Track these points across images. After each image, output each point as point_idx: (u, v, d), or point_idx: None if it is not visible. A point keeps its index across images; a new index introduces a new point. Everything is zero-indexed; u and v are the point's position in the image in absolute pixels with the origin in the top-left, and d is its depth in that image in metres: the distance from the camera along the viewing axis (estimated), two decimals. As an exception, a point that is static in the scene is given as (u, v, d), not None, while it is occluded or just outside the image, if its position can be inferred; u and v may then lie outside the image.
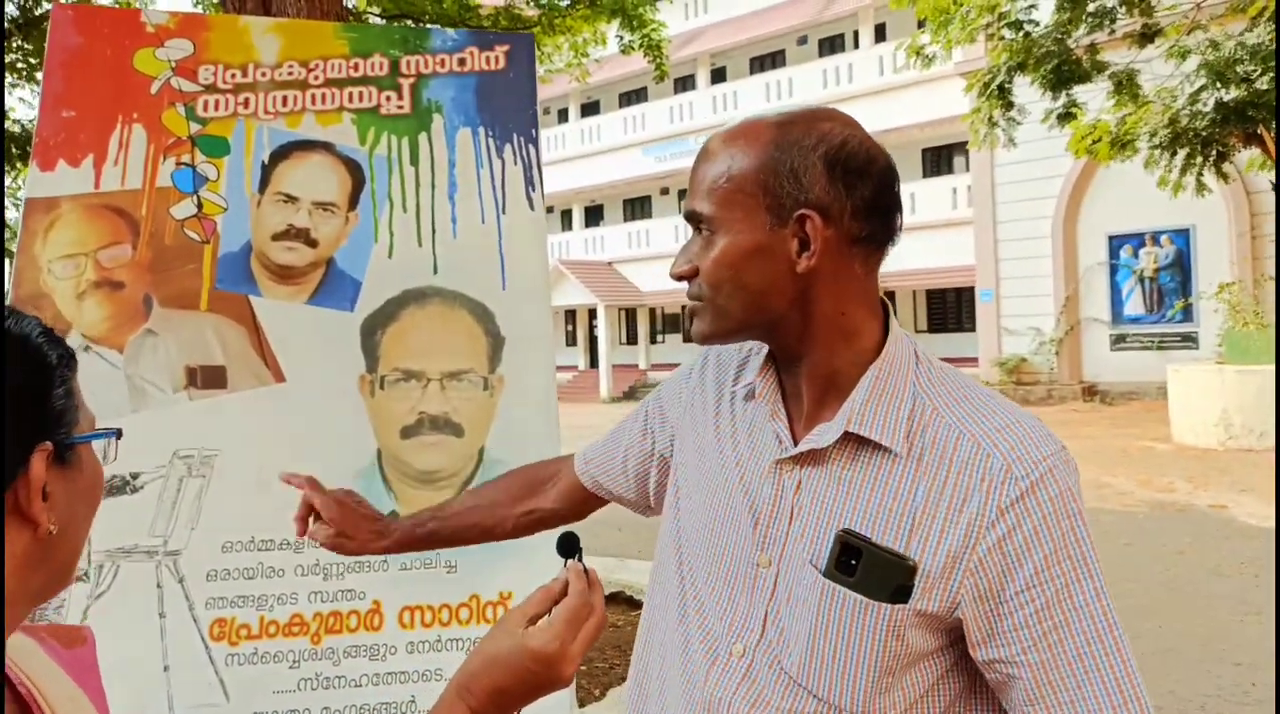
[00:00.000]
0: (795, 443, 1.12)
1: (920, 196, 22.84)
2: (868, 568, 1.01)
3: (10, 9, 8.21)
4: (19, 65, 8.83)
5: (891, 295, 25.78)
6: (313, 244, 2.83)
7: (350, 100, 2.98)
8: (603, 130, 29.66)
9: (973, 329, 21.96)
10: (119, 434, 0.86)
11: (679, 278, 1.13)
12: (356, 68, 3.01)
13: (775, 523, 1.11)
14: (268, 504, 2.59)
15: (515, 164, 3.00)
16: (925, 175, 24.88)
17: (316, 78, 2.98)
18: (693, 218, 1.11)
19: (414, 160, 2.94)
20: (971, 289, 21.89)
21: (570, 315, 31.34)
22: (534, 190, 2.99)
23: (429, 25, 7.38)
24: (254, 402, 2.68)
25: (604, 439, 1.47)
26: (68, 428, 0.81)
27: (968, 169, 21.78)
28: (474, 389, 2.78)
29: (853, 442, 1.08)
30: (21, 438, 0.79)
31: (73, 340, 2.61)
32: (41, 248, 2.69)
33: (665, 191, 30.08)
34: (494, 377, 2.80)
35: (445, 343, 2.81)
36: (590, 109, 32.33)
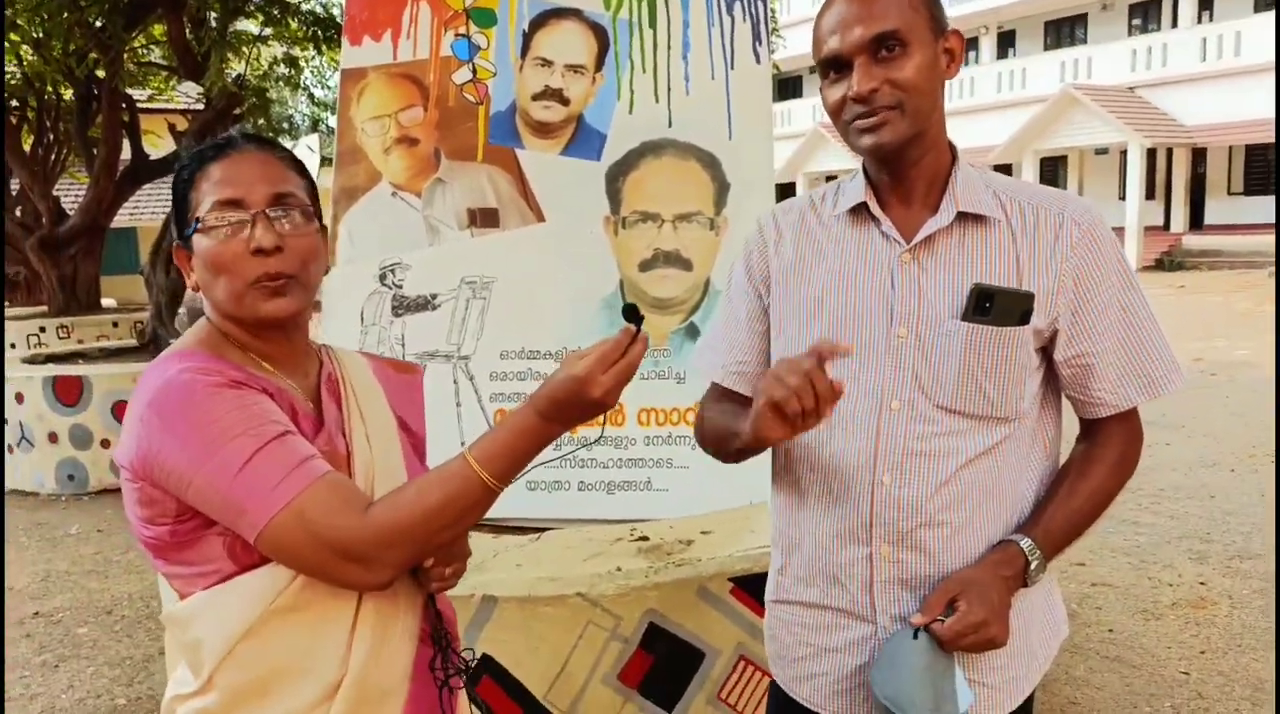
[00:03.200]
0: (906, 242, 1.44)
1: (1249, 36, 20.22)
2: (1001, 305, 1.37)
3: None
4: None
5: (1202, 152, 23.38)
6: (565, 102, 3.28)
7: (597, -32, 3.35)
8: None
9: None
10: (199, 223, 1.24)
11: (870, 93, 1.35)
12: (603, -64, 3.36)
13: (906, 301, 1.43)
14: (535, 321, 3.16)
15: (744, 20, 3.27)
16: (1256, 9, 21.90)
17: (568, -52, 3.36)
18: (880, 39, 1.35)
19: (651, 23, 3.28)
20: (1299, 142, 19.35)
21: (831, 180, 30.63)
22: (760, 45, 3.26)
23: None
24: (521, 238, 3.21)
25: (725, 339, 1.60)
26: (184, 223, 1.28)
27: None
28: (701, 229, 3.17)
29: (957, 223, 1.43)
30: (178, 226, 1.31)
31: (381, 188, 3.24)
32: (356, 111, 3.31)
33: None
34: (719, 218, 3.18)
35: (677, 188, 3.20)
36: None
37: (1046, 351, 1.44)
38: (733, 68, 3.25)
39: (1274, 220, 20.18)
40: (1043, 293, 1.39)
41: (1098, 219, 1.43)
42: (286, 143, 13.41)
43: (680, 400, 3.06)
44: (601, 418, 1.23)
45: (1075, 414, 1.51)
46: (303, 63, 11.18)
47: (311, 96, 13.58)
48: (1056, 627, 1.55)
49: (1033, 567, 1.39)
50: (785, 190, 29.75)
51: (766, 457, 1.57)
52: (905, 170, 1.44)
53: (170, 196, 1.36)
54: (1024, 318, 1.38)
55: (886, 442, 1.43)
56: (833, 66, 1.41)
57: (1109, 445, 1.47)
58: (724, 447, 1.53)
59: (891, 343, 1.43)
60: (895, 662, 1.36)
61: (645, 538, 2.45)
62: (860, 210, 1.49)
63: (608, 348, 1.17)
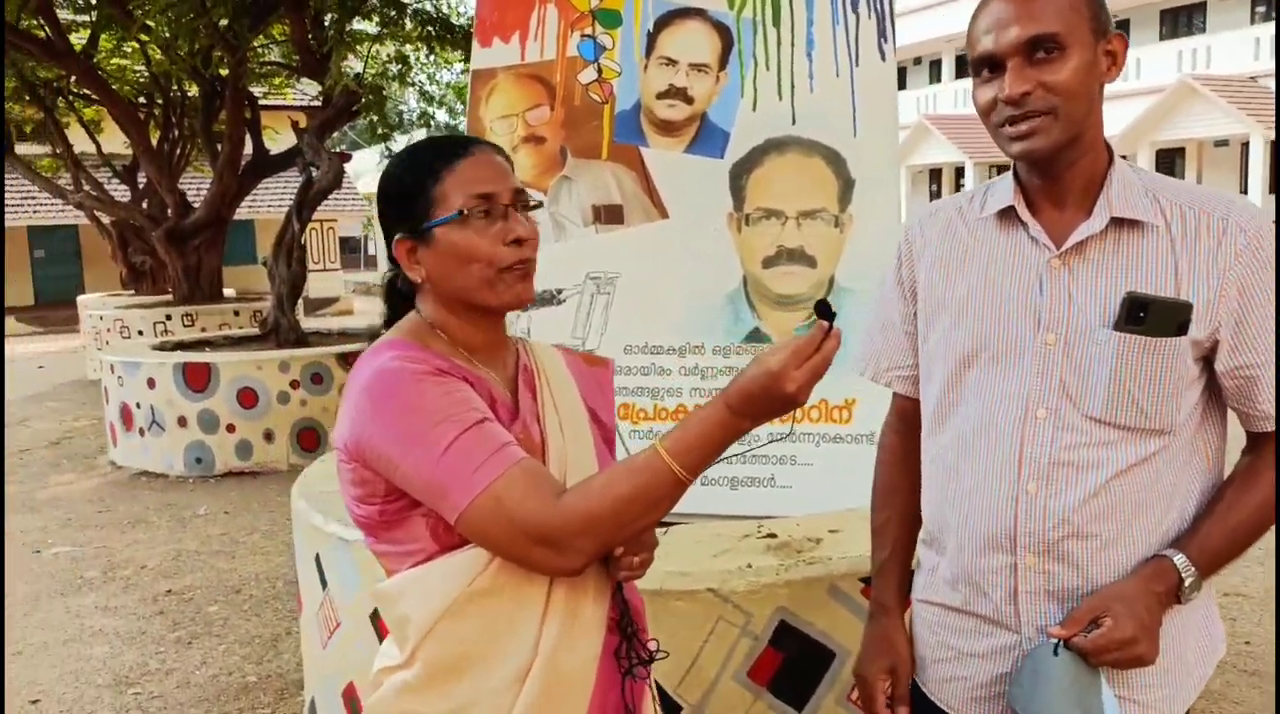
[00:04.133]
0: (1056, 247, 1.41)
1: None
2: (1157, 314, 1.33)
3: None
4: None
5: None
6: (689, 101, 3.31)
7: (722, -32, 3.36)
8: (984, -31, 27.52)
9: None
10: (461, 214, 1.31)
11: (1023, 97, 1.33)
12: (728, -64, 3.37)
13: (1054, 307, 1.40)
14: (658, 316, 3.20)
15: (869, 18, 3.25)
16: (1387, -6, 20.82)
17: (693, -51, 3.38)
18: (1037, 41, 1.32)
19: (775, 21, 3.29)
20: None
21: (935, 174, 30.10)
22: (886, 42, 3.24)
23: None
24: (645, 234, 3.25)
25: (870, 343, 1.65)
26: (425, 216, 1.33)
27: None
28: (826, 226, 3.16)
29: (1112, 228, 1.39)
30: (401, 219, 1.36)
31: (511, 184, 3.32)
32: (485, 110, 3.39)
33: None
34: (844, 215, 3.16)
35: (801, 185, 3.20)
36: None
37: (1208, 361, 1.40)
38: (857, 65, 3.23)
39: None
40: (1202, 302, 1.35)
41: (1265, 225, 1.37)
42: (399, 138, 13.78)
43: (803, 398, 3.07)
44: (792, 415, 1.25)
45: (1241, 426, 1.47)
46: (414, 61, 11.45)
47: (422, 93, 13.89)
48: (1214, 644, 1.49)
49: (1187, 584, 1.36)
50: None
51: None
52: (1058, 174, 1.41)
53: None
54: (1181, 328, 1.34)
55: (1031, 450, 1.40)
56: (986, 65, 1.38)
57: (1275, 459, 1.41)
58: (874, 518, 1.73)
59: (1038, 349, 1.41)
60: (1036, 677, 1.34)
61: (774, 535, 2.47)
62: (1009, 213, 1.46)
63: (802, 343, 1.18)
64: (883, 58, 3.23)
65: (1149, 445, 1.38)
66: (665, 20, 3.40)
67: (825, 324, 1.19)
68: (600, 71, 3.42)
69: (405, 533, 1.29)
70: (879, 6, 3.25)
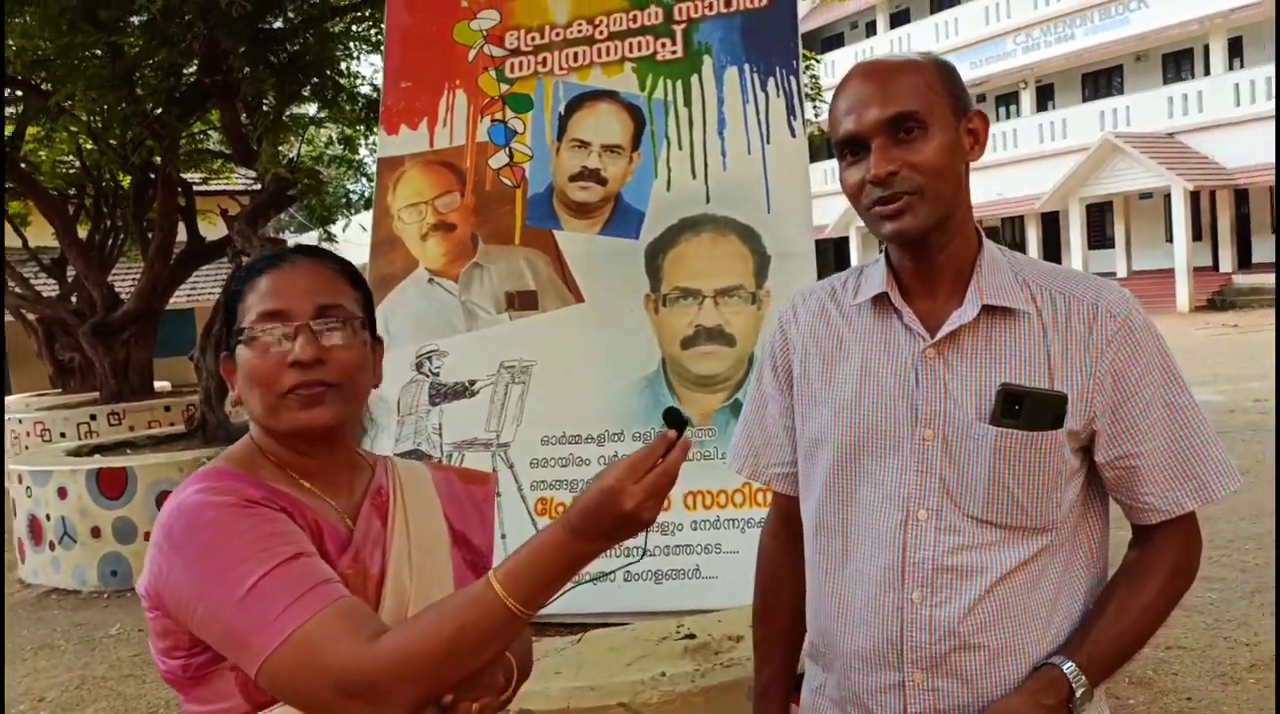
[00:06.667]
0: (930, 335, 1.34)
1: None
2: (1031, 407, 1.27)
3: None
4: (372, 36, 10.09)
5: (1244, 193, 23.13)
6: (603, 182, 3.27)
7: (631, 51, 3.36)
8: (913, 39, 28.51)
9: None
10: (243, 333, 1.22)
11: (889, 177, 1.28)
12: (635, 19, 3.37)
13: (930, 401, 1.33)
14: (576, 404, 3.11)
15: (778, 96, 3.25)
16: (1290, 53, 21.88)
17: (601, 33, 3.38)
18: (897, 121, 1.28)
19: (686, 101, 3.27)
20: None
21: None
22: (795, 119, 3.23)
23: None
24: (560, 319, 3.17)
25: (748, 438, 1.56)
26: (233, 336, 1.25)
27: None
28: (743, 303, 3.11)
29: (984, 317, 1.32)
30: (226, 335, 1.28)
31: (418, 274, 3.23)
32: (392, 199, 3.32)
33: (982, 98, 28.53)
34: (761, 291, 3.12)
35: (717, 263, 3.15)
36: (899, 19, 31.12)
37: (1088, 451, 1.33)
38: (769, 142, 3.22)
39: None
40: (1077, 392, 1.28)
41: (1135, 308, 1.31)
42: (342, 220, 13.68)
43: (728, 482, 2.97)
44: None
45: (1126, 519, 1.39)
46: (358, 140, 11.42)
47: (367, 175, 13.86)
48: None
49: (1078, 694, 1.27)
50: (840, 245, 29.78)
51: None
52: (930, 257, 1.35)
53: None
54: (1057, 421, 1.27)
55: (914, 555, 1.32)
56: (850, 147, 1.33)
57: (1163, 554, 1.34)
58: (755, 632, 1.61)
59: (916, 446, 1.33)
60: None
61: (692, 635, 2.35)
62: (883, 300, 1.40)
63: (639, 456, 1.07)
64: (793, 134, 3.23)
65: (1032, 545, 1.31)
66: (577, 103, 3.37)
67: (671, 434, 1.09)
68: (512, 156, 3.38)
69: (213, 690, 1.14)
70: (787, 85, 3.25)
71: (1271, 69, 20.52)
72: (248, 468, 1.23)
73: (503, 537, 3.01)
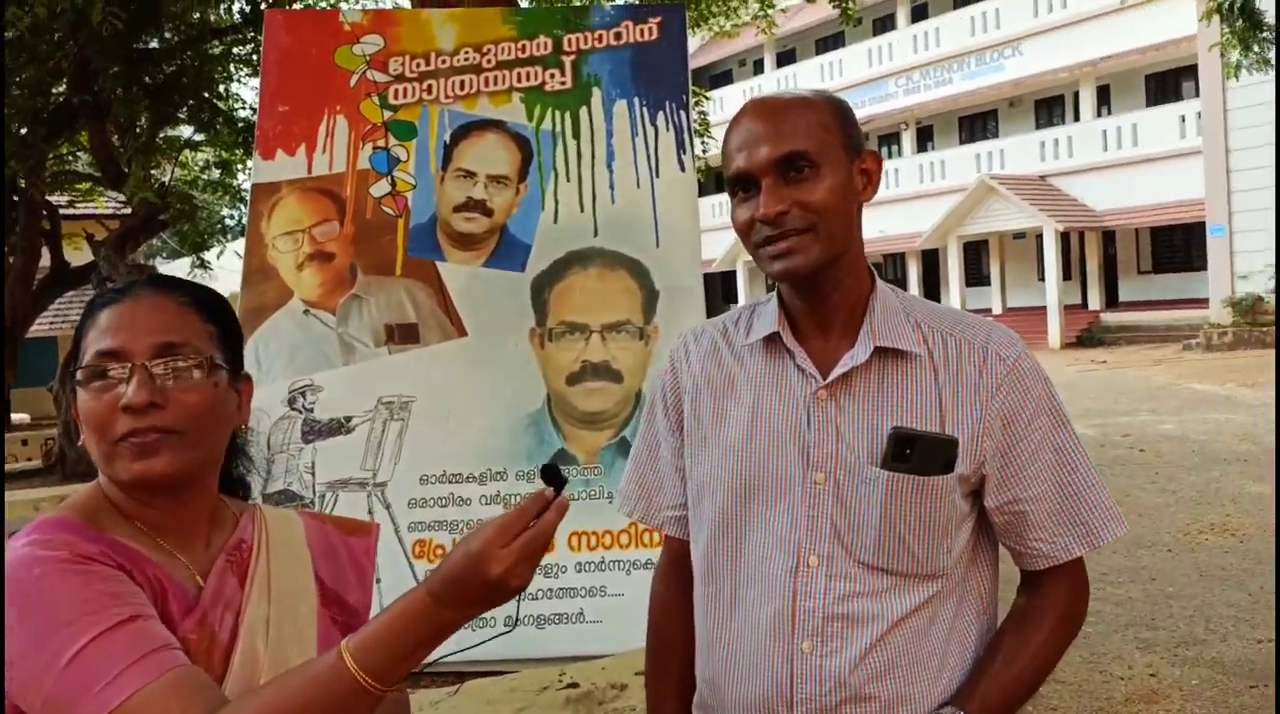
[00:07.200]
0: (822, 376, 1.32)
1: (1144, 127, 21.44)
2: (922, 451, 1.24)
3: (240, 2, 9.13)
4: (253, 59, 9.80)
5: (1111, 235, 24.36)
6: (489, 213, 3.19)
7: (519, 80, 3.30)
8: (799, 78, 29.26)
9: (1201, 268, 20.44)
10: (74, 374, 1.11)
11: (778, 216, 1.26)
12: (524, 49, 3.32)
13: (822, 443, 1.30)
14: (456, 442, 3.00)
15: (668, 130, 3.23)
16: (1149, 104, 23.27)
17: (489, 61, 3.31)
18: (789, 160, 1.26)
19: (575, 133, 3.23)
20: (1200, 225, 20.32)
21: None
22: (685, 153, 3.22)
23: (589, 2, 7.63)
24: (442, 354, 3.07)
25: (639, 480, 1.50)
26: (76, 371, 1.13)
27: (1196, 95, 20.17)
28: (631, 339, 3.06)
29: (876, 358, 1.30)
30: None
31: (292, 305, 3.08)
32: (266, 227, 3.17)
33: (866, 137, 29.35)
34: (649, 327, 3.07)
35: (605, 298, 3.10)
36: (786, 58, 31.93)
37: (978, 496, 1.31)
38: (658, 176, 3.20)
39: (1184, 297, 20.96)
40: (968, 436, 1.27)
41: (1023, 352, 1.31)
42: (218, 247, 13.18)
43: (613, 522, 2.90)
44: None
45: (1014, 564, 1.38)
46: (235, 165, 11.04)
47: (244, 200, 13.40)
48: None
49: None
50: (727, 279, 30.05)
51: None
52: (823, 297, 1.32)
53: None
54: (947, 466, 1.25)
55: (804, 603, 1.28)
56: (741, 185, 1.30)
57: (1051, 601, 1.34)
58: (648, 689, 1.48)
59: (807, 489, 1.30)
60: None
61: (575, 684, 2.27)
62: (775, 340, 1.36)
63: (509, 517, 0.95)
64: (682, 169, 3.21)
65: (922, 592, 1.29)
66: (463, 132, 3.29)
67: (548, 493, 1.02)
68: (394, 184, 3.27)
69: None
70: (677, 120, 3.24)
71: (1139, 116, 21.75)
72: (89, 517, 1.11)
73: (378, 581, 2.87)
